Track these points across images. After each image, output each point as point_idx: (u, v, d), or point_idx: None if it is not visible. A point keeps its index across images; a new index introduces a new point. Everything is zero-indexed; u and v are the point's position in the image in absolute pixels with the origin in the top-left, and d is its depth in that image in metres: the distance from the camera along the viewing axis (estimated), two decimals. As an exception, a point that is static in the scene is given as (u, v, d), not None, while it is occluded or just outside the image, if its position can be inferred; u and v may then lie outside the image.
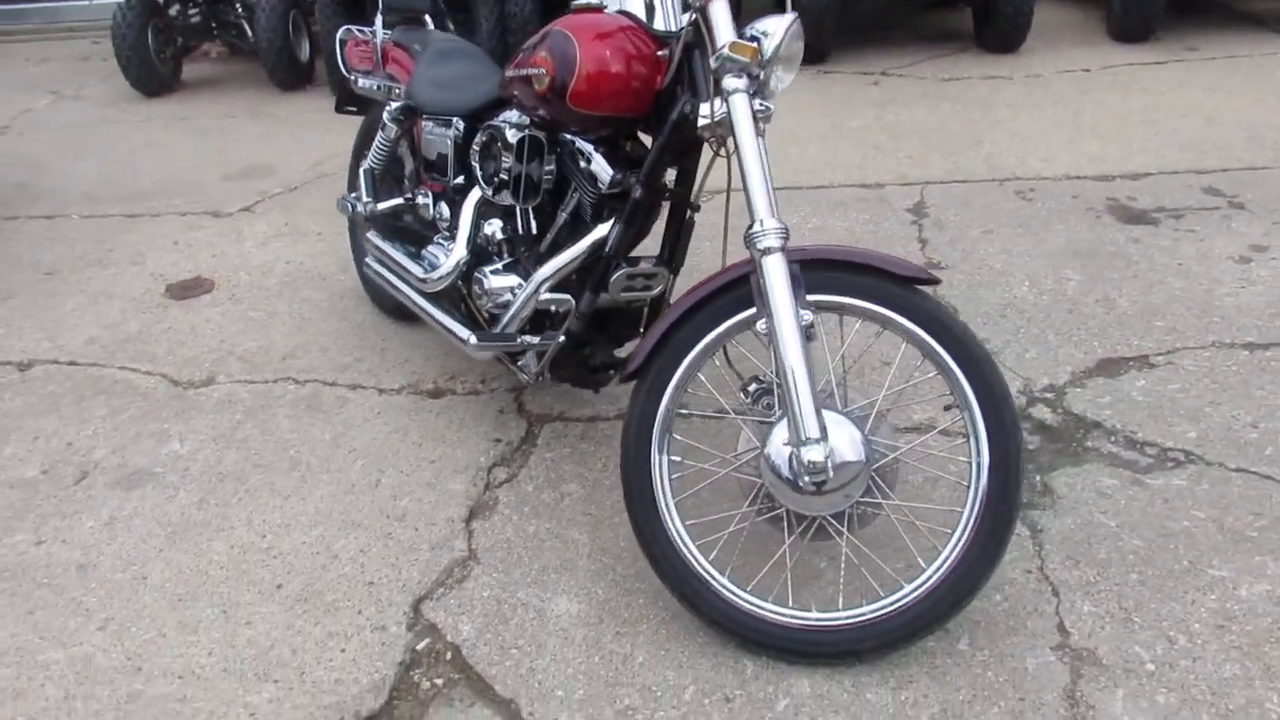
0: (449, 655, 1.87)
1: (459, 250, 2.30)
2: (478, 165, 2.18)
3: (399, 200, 2.63)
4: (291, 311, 3.18)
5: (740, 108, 1.75)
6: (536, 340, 2.14)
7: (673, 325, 1.84)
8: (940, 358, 1.75)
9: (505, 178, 2.08)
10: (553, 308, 2.13)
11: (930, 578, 1.73)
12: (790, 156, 4.14)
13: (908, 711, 1.69)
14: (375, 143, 2.67)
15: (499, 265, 2.23)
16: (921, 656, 1.78)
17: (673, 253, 2.16)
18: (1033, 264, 3.11)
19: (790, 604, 1.81)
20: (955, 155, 4.00)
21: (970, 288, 3.00)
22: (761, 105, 1.94)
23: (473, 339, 2.05)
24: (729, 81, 1.75)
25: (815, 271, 1.80)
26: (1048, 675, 1.73)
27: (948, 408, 1.80)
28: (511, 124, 2.10)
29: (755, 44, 1.75)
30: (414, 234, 2.64)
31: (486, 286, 2.20)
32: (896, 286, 1.77)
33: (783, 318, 1.69)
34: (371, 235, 2.65)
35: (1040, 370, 2.58)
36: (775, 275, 1.71)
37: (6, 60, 7.70)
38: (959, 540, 1.72)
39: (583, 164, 2.06)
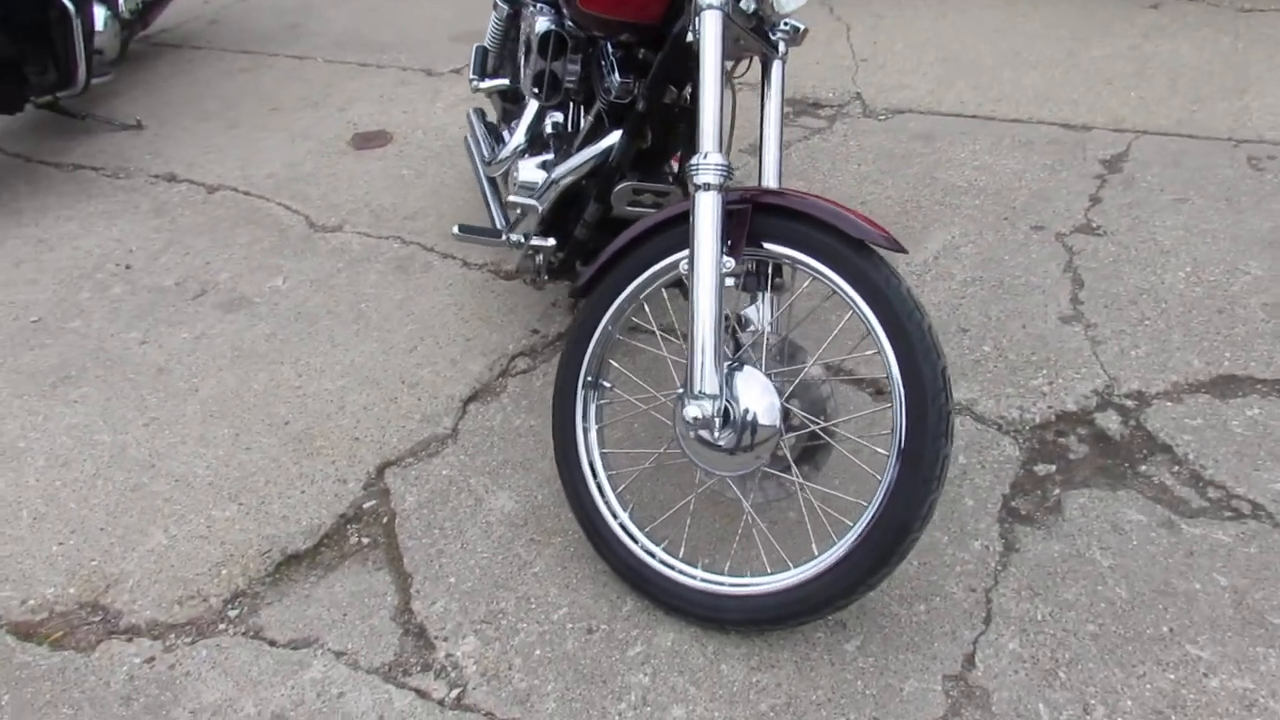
0: (385, 520, 2.00)
1: (517, 138, 2.32)
2: (521, 56, 2.17)
3: (501, 81, 2.67)
4: (437, 175, 3.36)
5: (709, 26, 1.61)
6: (519, 238, 2.11)
7: (619, 251, 1.77)
8: (878, 336, 1.57)
9: (530, 72, 2.06)
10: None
11: (808, 570, 1.60)
12: (999, 82, 3.67)
13: (751, 694, 1.60)
14: (490, 20, 2.71)
15: (532, 160, 2.23)
16: (800, 644, 1.67)
17: (675, 176, 2.04)
18: (1211, 247, 2.61)
19: (679, 557, 1.75)
20: (1201, 103, 3.36)
21: (1115, 263, 2.58)
22: (785, 27, 1.78)
23: (455, 229, 2.08)
24: (701, -3, 1.61)
25: (768, 217, 1.65)
26: (919, 704, 1.57)
27: (880, 392, 1.60)
28: (542, 18, 2.06)
29: (736, -43, 1.59)
30: (512, 117, 2.68)
31: (514, 177, 2.21)
32: (848, 249, 1.58)
33: (700, 260, 1.58)
34: (471, 111, 2.72)
35: (1137, 372, 2.20)
36: (703, 214, 1.59)
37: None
38: (852, 539, 1.57)
39: (602, 68, 1.99)
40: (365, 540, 1.96)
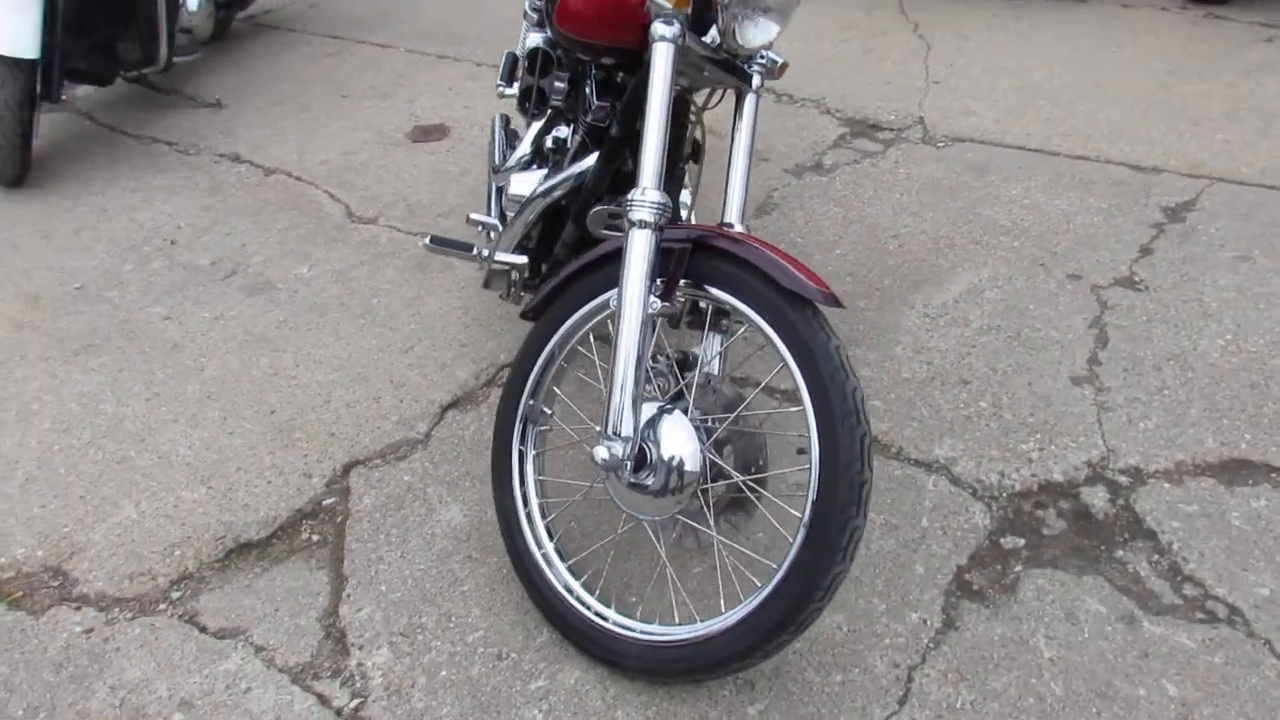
0: (339, 519, 2.03)
1: (521, 149, 2.31)
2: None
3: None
4: (480, 174, 3.39)
5: (658, 58, 1.57)
6: (485, 254, 2.07)
7: (568, 278, 1.75)
8: (800, 394, 1.50)
9: (519, 87, 2.04)
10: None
11: (710, 626, 1.55)
12: (1073, 115, 3.46)
13: (640, 746, 1.56)
14: (521, 29, 2.70)
15: (525, 174, 2.21)
16: (702, 701, 1.62)
17: (659, 201, 1.99)
18: (1261, 314, 2.40)
19: (595, 595, 1.72)
20: (1304, 152, 3.10)
21: (1148, 322, 2.40)
22: (762, 60, 1.72)
23: (425, 240, 2.08)
24: (656, 26, 1.56)
25: (710, 259, 1.60)
26: (808, 780, 1.50)
27: (800, 451, 1.53)
28: (535, 34, 2.04)
29: (688, -14, 1.53)
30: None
31: (505, 188, 2.21)
32: (784, 300, 1.52)
33: (625, 298, 1.54)
34: (496, 115, 2.73)
35: (1140, 446, 2.05)
36: (633, 252, 1.55)
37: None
38: (754, 602, 1.51)
39: (586, 89, 1.96)
40: (315, 538, 2.00)
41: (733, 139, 1.79)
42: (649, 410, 1.61)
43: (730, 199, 1.76)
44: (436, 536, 1.97)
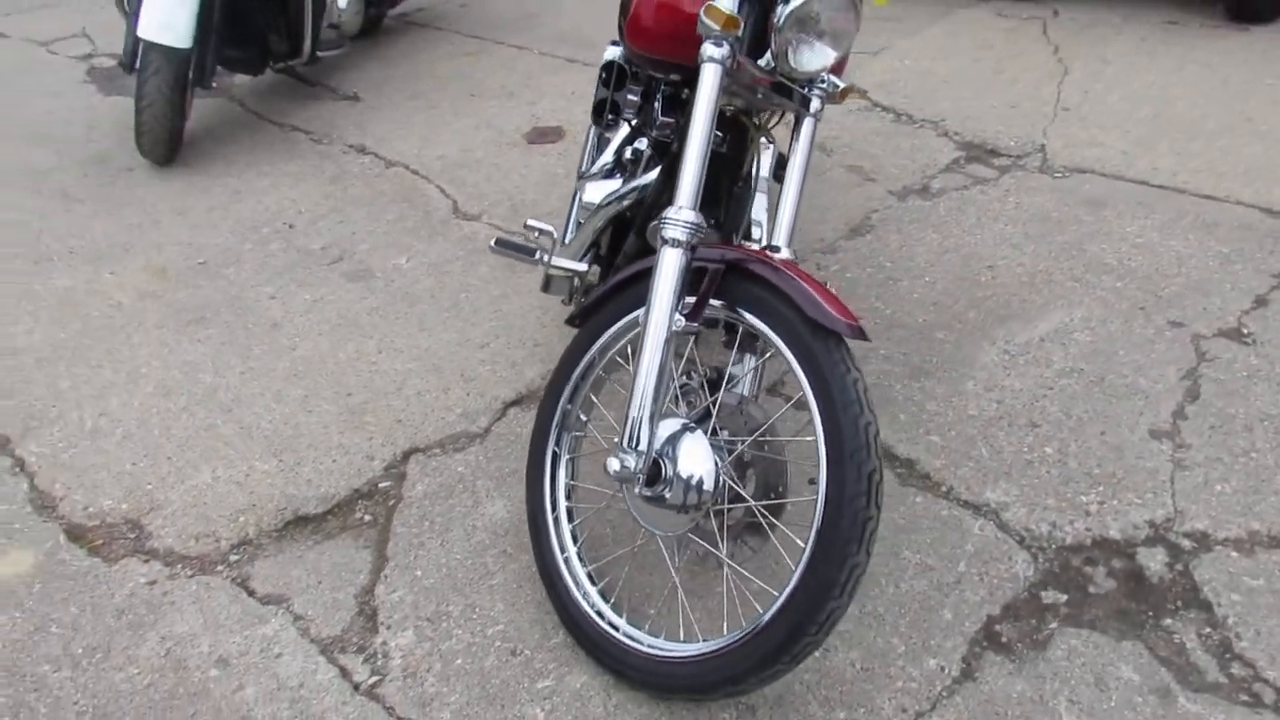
0: (391, 502, 2.13)
1: (605, 157, 2.36)
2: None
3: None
4: (585, 177, 3.46)
5: (705, 79, 1.57)
6: (545, 259, 2.11)
7: (613, 288, 1.78)
8: (815, 426, 1.48)
9: (595, 98, 2.08)
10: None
11: (707, 647, 1.56)
12: (1210, 150, 3.24)
13: (630, 757, 1.58)
14: (622, 37, 2.75)
15: (599, 182, 2.25)
16: (700, 720, 1.62)
17: (719, 220, 2.00)
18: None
19: (610, 603, 1.74)
20: None
21: (1248, 379, 2.23)
22: (823, 84, 1.70)
23: (491, 242, 2.14)
24: (705, 47, 1.57)
25: (743, 281, 1.60)
26: (790, 814, 1.48)
27: (811, 481, 1.51)
28: (613, 47, 2.07)
29: (735, 11, 1.53)
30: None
31: (581, 194, 2.25)
32: (808, 330, 1.50)
33: (651, 316, 1.56)
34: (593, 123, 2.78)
35: (1212, 510, 1.92)
36: (662, 271, 1.56)
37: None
38: (752, 629, 1.51)
39: (655, 104, 1.98)
40: (367, 518, 2.10)
41: (788, 161, 1.77)
42: (671, 426, 1.63)
43: (780, 222, 1.75)
44: (477, 529, 2.04)
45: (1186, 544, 1.86)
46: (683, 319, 1.57)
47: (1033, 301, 2.58)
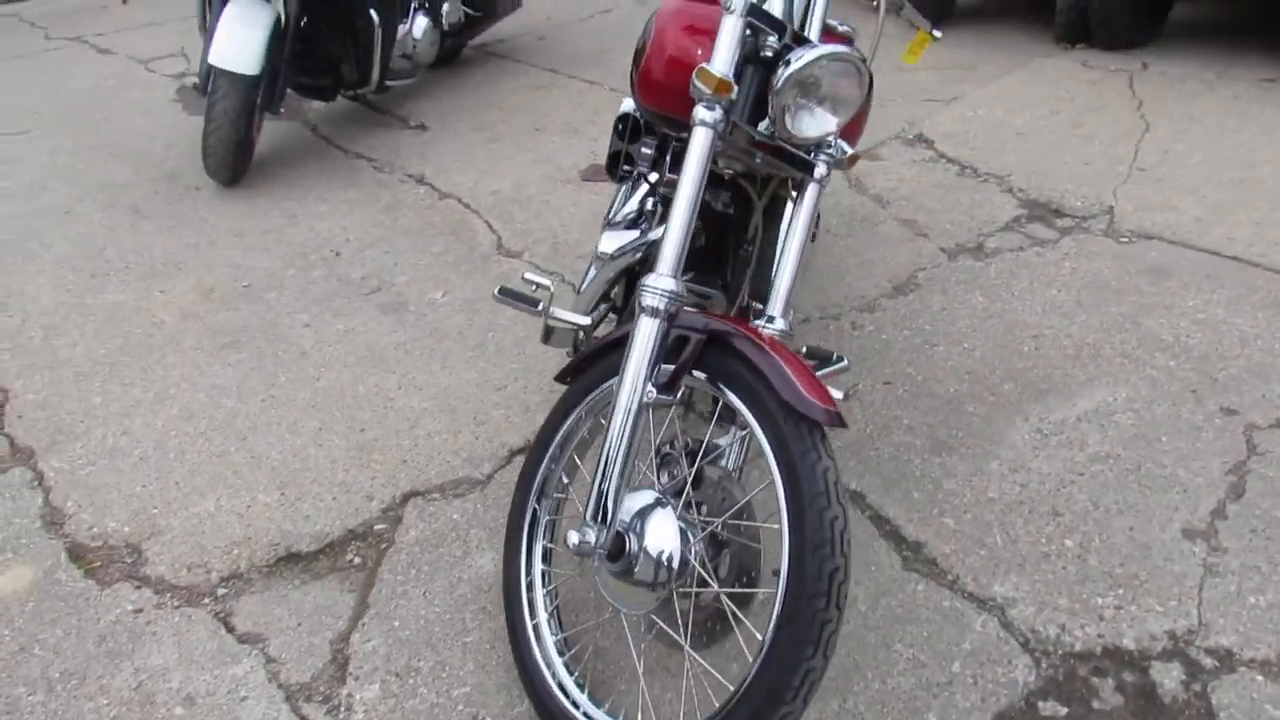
0: (383, 546, 2.11)
1: (628, 206, 2.31)
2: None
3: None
4: (632, 218, 3.42)
5: (695, 142, 1.51)
6: (541, 308, 2.05)
7: (598, 350, 1.72)
8: (780, 514, 1.40)
9: (609, 150, 2.04)
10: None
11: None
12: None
13: (573, 844, 1.51)
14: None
15: (616, 231, 2.20)
16: (652, 811, 1.54)
17: (725, 282, 1.93)
18: None
19: (573, 677, 1.67)
20: None
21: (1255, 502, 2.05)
22: (831, 149, 1.63)
23: (496, 290, 2.10)
24: (697, 110, 1.51)
25: (723, 354, 1.52)
26: None
27: (775, 572, 1.42)
28: (629, 99, 2.03)
29: (727, 75, 1.47)
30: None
31: (598, 243, 2.20)
32: (783, 412, 1.43)
33: (622, 385, 1.50)
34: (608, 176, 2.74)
35: (1241, 624, 1.75)
36: (637, 339, 1.50)
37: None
38: (704, 721, 1.42)
39: (666, 160, 1.93)
40: (357, 560, 2.08)
41: (788, 227, 1.70)
42: (643, 499, 1.56)
43: (776, 290, 1.68)
44: (461, 581, 2.00)
45: (1208, 661, 1.70)
46: (654, 390, 1.50)
47: (1075, 377, 2.43)
